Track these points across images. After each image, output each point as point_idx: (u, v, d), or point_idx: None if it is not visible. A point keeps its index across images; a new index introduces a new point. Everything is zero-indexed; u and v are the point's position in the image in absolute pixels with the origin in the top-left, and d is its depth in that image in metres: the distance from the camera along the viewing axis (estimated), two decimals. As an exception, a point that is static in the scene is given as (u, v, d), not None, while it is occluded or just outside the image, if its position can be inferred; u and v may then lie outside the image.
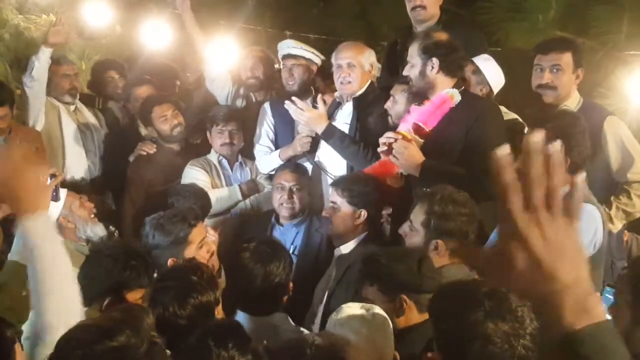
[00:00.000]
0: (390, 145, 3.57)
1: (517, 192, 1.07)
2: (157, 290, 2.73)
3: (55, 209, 3.60)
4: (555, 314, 1.06)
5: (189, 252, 3.27)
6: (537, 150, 1.06)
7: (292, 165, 4.34)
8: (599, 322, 1.05)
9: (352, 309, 2.47)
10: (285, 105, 4.22)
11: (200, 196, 4.05)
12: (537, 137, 1.07)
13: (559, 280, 1.06)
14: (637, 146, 3.74)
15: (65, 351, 1.89)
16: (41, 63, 4.84)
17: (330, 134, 4.16)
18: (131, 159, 4.93)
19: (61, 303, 2.14)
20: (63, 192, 3.81)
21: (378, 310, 2.48)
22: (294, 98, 4.25)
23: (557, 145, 1.07)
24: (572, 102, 3.76)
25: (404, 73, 3.74)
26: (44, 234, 2.17)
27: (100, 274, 2.74)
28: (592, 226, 2.97)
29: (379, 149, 3.66)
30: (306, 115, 4.18)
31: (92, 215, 3.87)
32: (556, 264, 1.06)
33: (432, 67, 3.60)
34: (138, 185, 4.74)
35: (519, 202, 1.07)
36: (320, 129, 4.18)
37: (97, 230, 3.80)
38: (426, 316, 2.63)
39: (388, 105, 4.05)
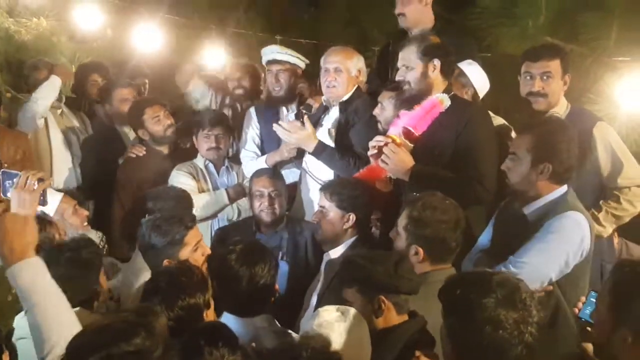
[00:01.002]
0: (380, 149, 3.57)
1: None
2: (146, 290, 2.73)
3: (48, 213, 3.58)
4: None
5: (184, 253, 3.28)
6: None
7: (269, 171, 4.33)
8: None
9: (329, 312, 2.48)
10: (274, 128, 4.21)
11: (180, 199, 4.04)
12: None
13: None
14: (626, 152, 3.75)
15: (80, 354, 1.90)
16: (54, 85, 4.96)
17: (321, 151, 4.14)
18: (120, 161, 4.91)
19: (62, 334, 2.18)
20: (59, 196, 3.78)
21: (353, 311, 2.50)
22: (281, 122, 4.23)
23: None
24: (560, 108, 3.76)
25: (398, 77, 3.72)
26: (35, 279, 2.25)
27: (77, 285, 2.81)
28: (578, 235, 2.97)
29: (368, 153, 3.67)
30: (295, 137, 4.14)
31: (85, 223, 3.84)
32: None
33: (434, 68, 3.64)
34: (127, 188, 4.72)
35: None
36: (310, 148, 4.16)
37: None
38: (405, 317, 2.67)
39: (376, 111, 4.05)
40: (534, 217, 3.05)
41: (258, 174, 4.28)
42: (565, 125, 3.14)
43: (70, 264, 2.85)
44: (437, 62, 3.64)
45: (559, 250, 2.95)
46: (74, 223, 3.72)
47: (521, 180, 3.08)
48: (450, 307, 2.09)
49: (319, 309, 2.56)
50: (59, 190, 4.07)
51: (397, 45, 4.33)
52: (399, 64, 3.73)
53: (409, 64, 3.67)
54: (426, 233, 3.02)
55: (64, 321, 2.23)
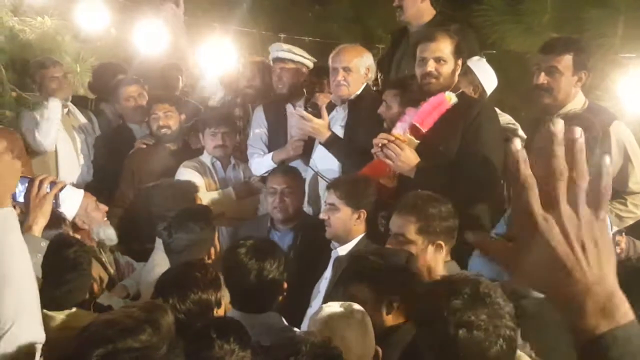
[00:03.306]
0: (384, 147, 3.57)
1: (535, 187, 1.01)
2: (160, 281, 2.75)
3: (71, 209, 3.61)
4: (579, 317, 0.99)
5: (208, 250, 3.34)
6: (561, 140, 1.00)
7: (282, 168, 4.34)
8: (624, 325, 0.98)
9: (332, 308, 2.48)
10: (289, 113, 4.22)
11: (185, 192, 4.09)
12: (559, 125, 1.00)
13: (582, 279, 0.99)
14: (638, 157, 3.63)
15: (87, 346, 1.91)
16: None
17: (332, 142, 4.14)
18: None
19: (16, 296, 2.02)
20: (80, 193, 3.82)
21: (357, 307, 2.49)
22: (299, 110, 4.23)
23: (579, 131, 1.01)
24: (576, 104, 3.66)
25: (429, 68, 3.66)
26: (4, 228, 2.04)
27: (78, 285, 2.82)
28: None
29: (372, 150, 3.66)
30: (311, 126, 4.14)
31: (105, 218, 3.86)
32: (579, 260, 1.00)
33: (458, 67, 3.69)
34: (129, 180, 4.80)
35: (537, 197, 1.01)
36: (323, 138, 4.15)
37: (109, 233, 3.79)
38: None
39: (381, 110, 4.04)
40: None
41: (273, 171, 4.31)
42: (591, 122, 3.11)
43: (55, 267, 2.78)
44: (460, 62, 3.68)
45: None
46: (96, 217, 3.75)
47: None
48: (420, 319, 2.05)
49: (322, 305, 2.57)
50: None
51: (399, 42, 4.36)
52: (429, 55, 3.65)
53: (443, 57, 3.65)
54: (450, 225, 3.04)
55: (23, 289, 2.02)
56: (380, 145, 3.61)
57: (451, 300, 1.93)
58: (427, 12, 4.47)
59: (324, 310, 2.48)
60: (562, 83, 3.62)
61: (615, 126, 3.59)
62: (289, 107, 4.69)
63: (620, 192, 3.59)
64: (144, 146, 4.90)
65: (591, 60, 3.61)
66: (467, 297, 1.93)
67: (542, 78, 3.64)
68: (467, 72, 4.04)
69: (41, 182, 2.76)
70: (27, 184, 2.79)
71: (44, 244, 2.69)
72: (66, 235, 3.16)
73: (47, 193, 2.75)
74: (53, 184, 2.80)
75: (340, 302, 2.53)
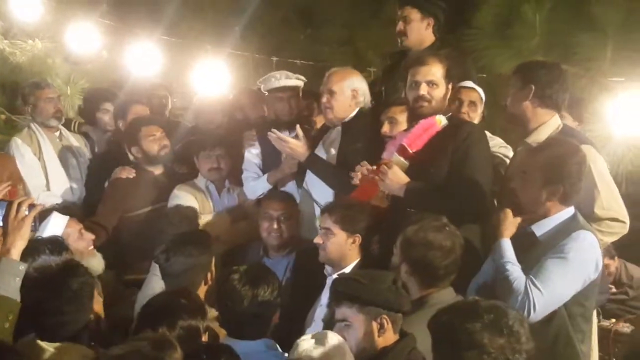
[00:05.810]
0: (372, 171, 3.58)
1: None
2: (145, 312, 2.73)
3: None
4: None
5: (205, 275, 3.33)
6: None
7: (279, 194, 4.32)
8: None
9: (306, 341, 2.51)
10: (268, 136, 4.22)
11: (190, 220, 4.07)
12: None
13: None
14: (607, 181, 3.49)
15: None
16: None
17: (313, 162, 4.15)
18: (106, 184, 4.85)
19: None
20: (64, 220, 3.74)
21: (331, 335, 2.51)
22: (274, 130, 4.23)
23: None
24: (549, 128, 3.49)
25: (421, 92, 3.64)
26: None
27: (74, 318, 2.73)
28: (594, 256, 2.94)
29: (353, 181, 3.68)
30: (288, 146, 4.16)
31: (90, 247, 3.80)
32: None
33: (448, 91, 3.69)
34: (115, 205, 4.66)
35: None
36: (302, 158, 4.17)
37: (93, 263, 3.70)
38: (397, 336, 2.69)
39: (385, 129, 4.03)
40: (544, 237, 3.01)
41: (269, 196, 4.29)
42: (576, 148, 3.10)
43: (54, 294, 2.70)
44: (450, 86, 3.68)
45: (579, 273, 2.91)
46: (78, 247, 3.67)
47: (531, 200, 3.04)
48: (437, 335, 2.08)
49: (297, 340, 2.57)
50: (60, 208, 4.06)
51: (398, 63, 4.37)
52: (421, 78, 3.65)
53: (435, 80, 3.64)
54: (412, 254, 3.04)
55: None
56: (359, 174, 3.63)
57: (470, 322, 1.98)
58: (428, 38, 4.50)
59: (299, 345, 2.51)
60: (513, 102, 3.56)
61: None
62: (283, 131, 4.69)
63: (586, 218, 3.38)
64: (131, 176, 4.77)
65: (580, 83, 3.60)
66: (488, 322, 1.97)
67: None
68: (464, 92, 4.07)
69: (19, 205, 2.74)
70: (5, 207, 2.77)
71: (22, 268, 2.64)
72: (77, 263, 2.98)
73: (26, 216, 2.72)
74: (32, 206, 2.77)
75: (312, 334, 2.56)
